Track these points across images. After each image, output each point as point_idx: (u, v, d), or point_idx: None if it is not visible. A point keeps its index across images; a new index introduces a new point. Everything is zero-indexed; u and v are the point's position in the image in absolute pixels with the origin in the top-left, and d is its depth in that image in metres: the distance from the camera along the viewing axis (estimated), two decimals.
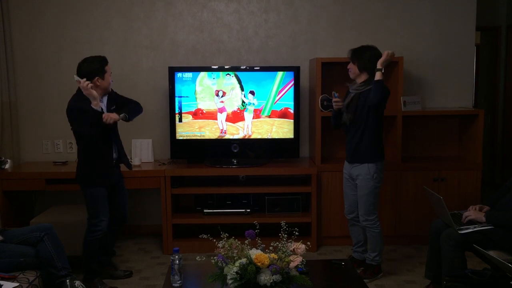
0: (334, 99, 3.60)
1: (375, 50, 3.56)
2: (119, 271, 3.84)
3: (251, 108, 4.43)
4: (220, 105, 4.42)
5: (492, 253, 2.90)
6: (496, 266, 2.89)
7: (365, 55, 3.52)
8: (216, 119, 4.43)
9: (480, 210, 3.32)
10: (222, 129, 4.44)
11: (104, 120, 3.30)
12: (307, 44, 4.71)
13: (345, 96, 3.71)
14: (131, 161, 4.45)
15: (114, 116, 3.37)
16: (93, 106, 3.28)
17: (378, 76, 3.44)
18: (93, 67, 3.36)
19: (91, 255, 3.54)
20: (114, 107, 3.54)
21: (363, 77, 3.57)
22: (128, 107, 3.57)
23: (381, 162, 3.66)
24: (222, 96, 4.40)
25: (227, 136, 4.46)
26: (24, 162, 4.70)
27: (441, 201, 3.24)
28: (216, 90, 4.40)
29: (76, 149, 3.62)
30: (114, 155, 3.58)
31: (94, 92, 3.28)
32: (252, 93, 4.40)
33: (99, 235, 3.50)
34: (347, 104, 3.61)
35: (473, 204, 3.43)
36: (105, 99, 3.51)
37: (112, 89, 3.59)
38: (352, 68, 3.59)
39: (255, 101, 4.41)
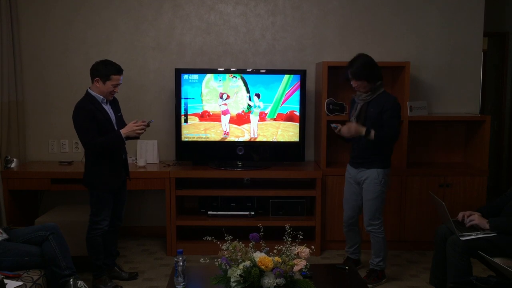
0: (336, 130, 3.59)
1: (363, 57, 3.54)
2: (124, 272, 3.84)
3: (257, 111, 4.43)
4: (224, 108, 4.42)
5: (497, 260, 2.89)
6: (501, 273, 2.88)
7: (361, 70, 3.50)
8: (220, 121, 4.44)
9: (470, 216, 3.32)
10: (225, 131, 4.44)
11: (125, 134, 3.46)
12: (314, 47, 4.71)
13: (351, 107, 3.74)
14: (135, 162, 4.48)
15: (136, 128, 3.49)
16: (123, 132, 3.45)
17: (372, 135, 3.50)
18: (100, 70, 3.45)
19: (95, 252, 3.58)
20: (120, 113, 3.68)
21: (367, 86, 3.56)
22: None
23: (389, 169, 3.67)
24: (226, 99, 4.40)
25: (232, 139, 4.46)
26: (30, 161, 4.72)
27: (444, 207, 3.23)
28: (221, 93, 4.40)
29: (83, 150, 3.63)
30: (123, 156, 3.65)
31: (137, 132, 3.49)
32: (257, 95, 4.41)
33: (99, 233, 3.55)
34: (356, 115, 3.62)
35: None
36: (108, 106, 3.58)
37: (115, 98, 3.70)
38: (359, 84, 3.55)
39: (260, 104, 4.42)
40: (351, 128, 3.49)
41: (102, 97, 3.49)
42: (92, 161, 3.52)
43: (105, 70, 3.45)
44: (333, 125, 3.58)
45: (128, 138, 3.49)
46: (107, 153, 3.50)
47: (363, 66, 3.51)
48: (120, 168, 3.62)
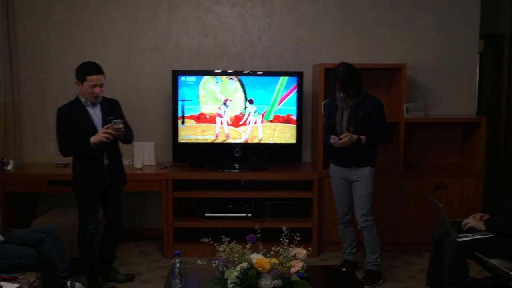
0: (338, 143, 3.60)
1: (346, 69, 3.57)
2: (120, 275, 3.83)
3: (256, 114, 4.43)
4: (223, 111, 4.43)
5: (493, 261, 2.89)
6: (497, 275, 2.89)
7: (349, 82, 3.55)
8: (215, 122, 4.44)
9: (481, 218, 3.33)
10: (217, 133, 4.44)
11: (92, 142, 3.35)
12: (311, 49, 4.72)
13: (330, 111, 3.79)
14: (132, 164, 4.46)
15: (103, 133, 3.36)
16: (91, 140, 3.35)
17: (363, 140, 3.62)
18: (77, 72, 3.44)
19: (86, 255, 3.59)
20: (112, 117, 3.46)
21: (355, 94, 3.65)
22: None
23: (375, 166, 3.78)
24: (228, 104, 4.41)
25: (230, 140, 4.46)
26: (27, 163, 4.70)
27: (440, 208, 3.24)
28: (225, 99, 4.40)
29: None
30: (105, 162, 3.52)
31: (101, 139, 3.35)
32: (250, 101, 4.41)
33: (87, 236, 3.54)
34: (347, 120, 3.66)
35: (474, 213, 3.43)
36: (97, 108, 3.52)
37: (116, 101, 3.69)
38: (348, 94, 3.60)
39: (253, 109, 4.41)
40: (346, 140, 3.56)
41: (84, 99, 3.48)
42: (73, 164, 3.57)
43: (81, 71, 3.43)
44: (333, 140, 3.62)
45: (97, 144, 3.36)
46: (82, 157, 3.48)
47: (350, 77, 3.56)
48: (101, 173, 3.51)
